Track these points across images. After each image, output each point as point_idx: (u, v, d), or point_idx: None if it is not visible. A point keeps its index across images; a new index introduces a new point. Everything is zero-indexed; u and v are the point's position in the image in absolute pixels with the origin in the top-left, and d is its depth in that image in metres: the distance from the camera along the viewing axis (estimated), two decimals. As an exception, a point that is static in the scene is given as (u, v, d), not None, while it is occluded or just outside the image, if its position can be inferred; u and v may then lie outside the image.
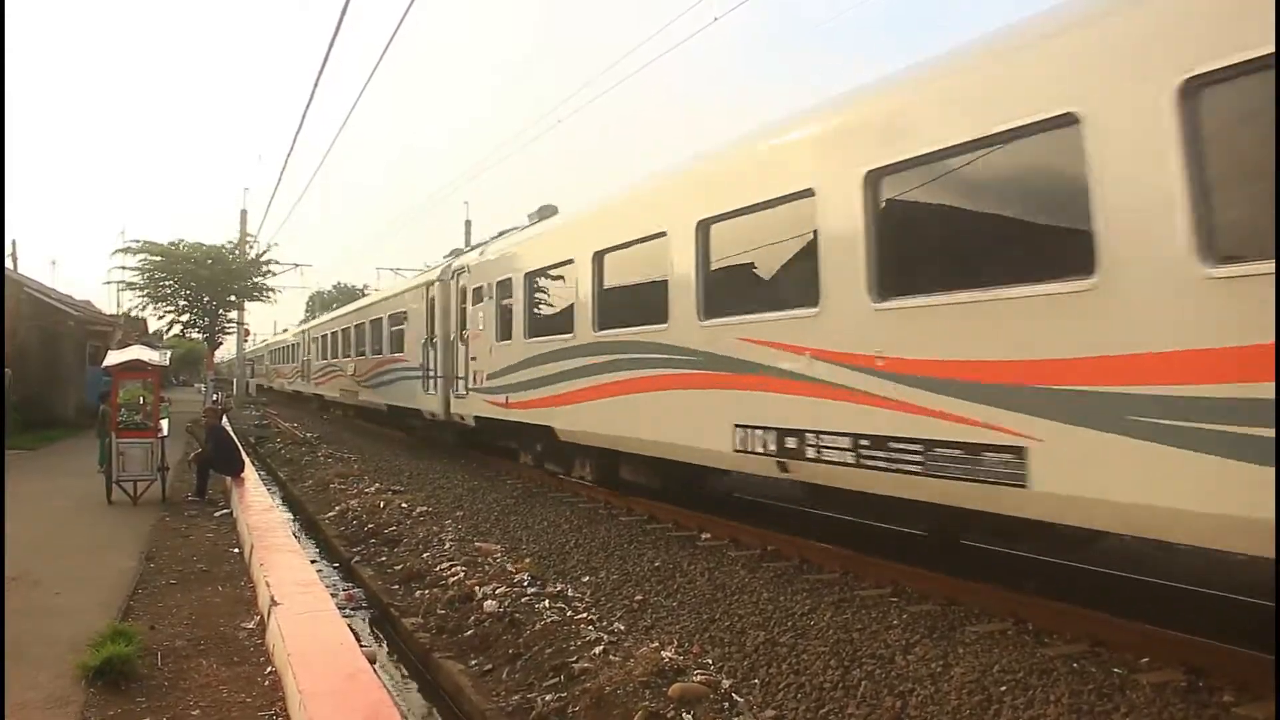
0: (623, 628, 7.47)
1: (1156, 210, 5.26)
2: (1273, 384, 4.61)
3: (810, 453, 7.98)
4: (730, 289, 9.55)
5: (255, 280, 40.39)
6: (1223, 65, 4.91)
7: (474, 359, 16.85)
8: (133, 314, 40.70)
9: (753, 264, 9.42)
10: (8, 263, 34.83)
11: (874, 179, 7.27)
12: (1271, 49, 4.64)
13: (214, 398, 36.27)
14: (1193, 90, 5.07)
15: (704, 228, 9.71)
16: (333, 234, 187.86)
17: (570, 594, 8.53)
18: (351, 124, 36.54)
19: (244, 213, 43.94)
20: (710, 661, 6.51)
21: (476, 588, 8.68)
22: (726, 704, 5.65)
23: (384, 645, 8.39)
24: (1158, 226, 5.24)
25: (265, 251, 40.56)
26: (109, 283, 44.05)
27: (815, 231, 7.92)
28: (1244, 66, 4.82)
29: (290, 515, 15.29)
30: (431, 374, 19.86)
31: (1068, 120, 5.77)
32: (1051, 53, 6.08)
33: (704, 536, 10.66)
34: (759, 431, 8.66)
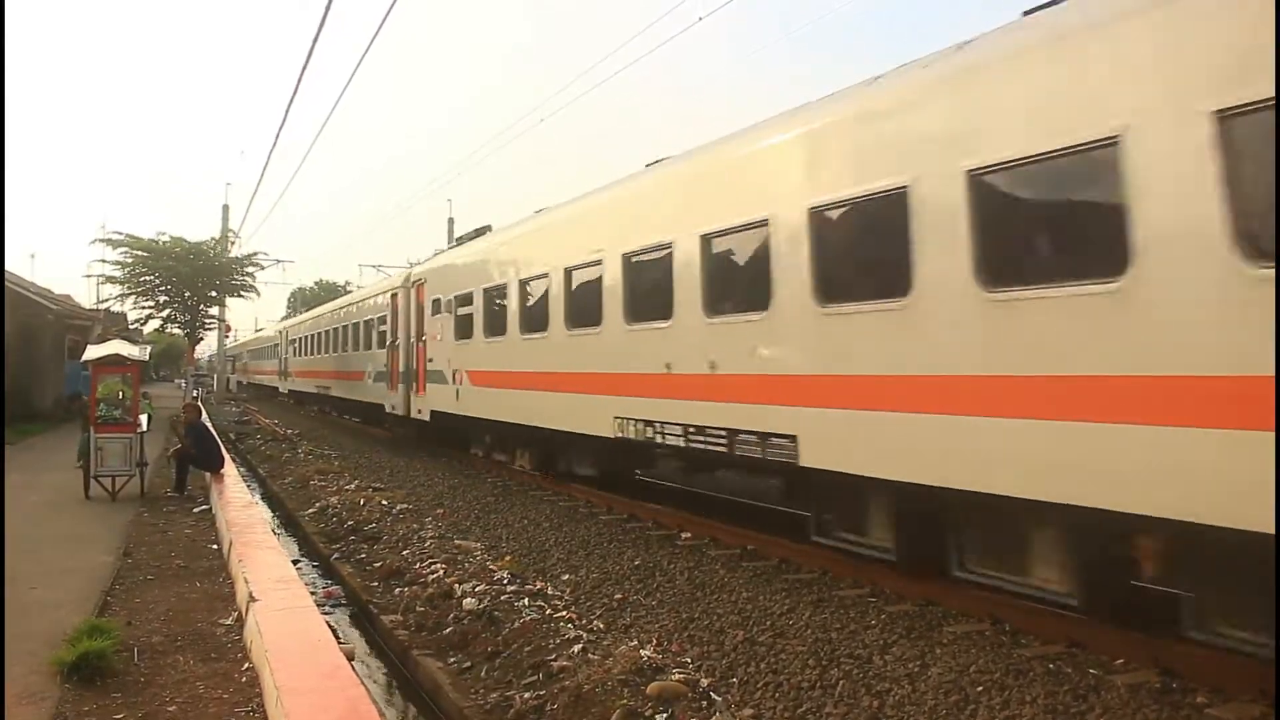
0: (602, 626, 7.48)
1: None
2: None
3: None
4: None
5: (238, 277, 40.16)
6: None
7: None
8: (112, 309, 40.40)
9: None
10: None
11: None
12: None
13: (194, 393, 36.05)
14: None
15: None
16: (315, 230, 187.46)
17: (550, 592, 8.53)
18: (334, 121, 36.41)
19: (226, 208, 43.88)
20: (689, 660, 6.52)
21: (456, 585, 8.67)
22: (704, 702, 5.66)
23: (363, 642, 8.36)
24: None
25: (252, 255, 40.41)
26: (89, 276, 43.70)
27: None
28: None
29: (270, 512, 15.20)
30: None
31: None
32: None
33: (684, 535, 10.68)
34: None
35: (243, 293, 41.10)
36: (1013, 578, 6.99)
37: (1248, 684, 5.35)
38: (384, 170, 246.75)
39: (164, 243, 37.30)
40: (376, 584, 9.58)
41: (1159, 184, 5.49)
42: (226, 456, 17.37)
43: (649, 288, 10.75)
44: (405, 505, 13.68)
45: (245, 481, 16.89)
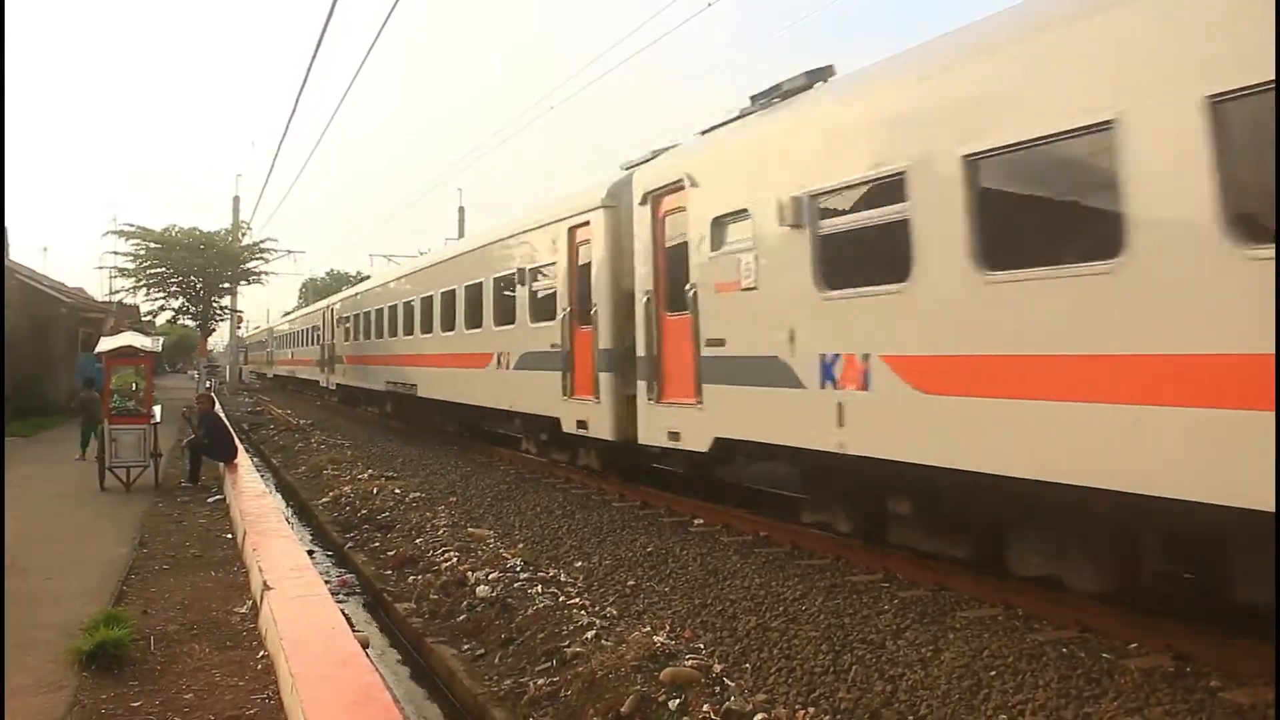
0: (615, 612, 7.50)
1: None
2: None
3: None
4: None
5: (249, 266, 40.35)
6: None
7: None
8: (124, 300, 40.56)
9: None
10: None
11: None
12: None
13: (206, 384, 36.24)
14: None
15: None
16: (326, 221, 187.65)
17: (563, 579, 8.56)
18: (345, 111, 36.43)
19: (236, 199, 43.81)
20: (702, 646, 6.54)
21: (469, 573, 8.70)
22: (718, 688, 5.68)
23: (377, 630, 8.41)
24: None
25: (262, 242, 40.67)
26: (101, 268, 43.88)
27: None
28: None
29: (283, 501, 15.29)
30: None
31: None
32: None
33: (696, 522, 10.68)
34: None
35: (252, 279, 41.34)
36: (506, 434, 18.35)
37: (1261, 668, 5.32)
38: (394, 160, 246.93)
39: (175, 233, 37.45)
40: (390, 572, 9.63)
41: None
42: (240, 447, 17.47)
43: (389, 322, 23.88)
44: (418, 494, 13.74)
45: (258, 471, 16.99)
